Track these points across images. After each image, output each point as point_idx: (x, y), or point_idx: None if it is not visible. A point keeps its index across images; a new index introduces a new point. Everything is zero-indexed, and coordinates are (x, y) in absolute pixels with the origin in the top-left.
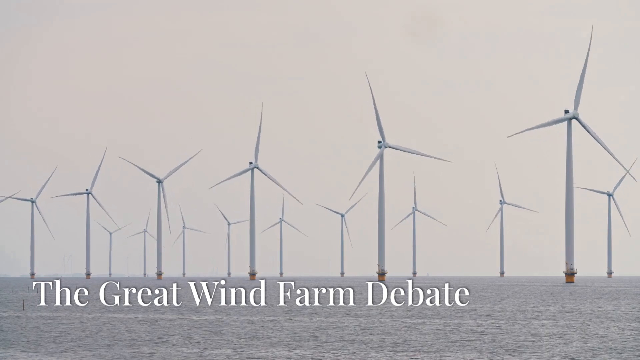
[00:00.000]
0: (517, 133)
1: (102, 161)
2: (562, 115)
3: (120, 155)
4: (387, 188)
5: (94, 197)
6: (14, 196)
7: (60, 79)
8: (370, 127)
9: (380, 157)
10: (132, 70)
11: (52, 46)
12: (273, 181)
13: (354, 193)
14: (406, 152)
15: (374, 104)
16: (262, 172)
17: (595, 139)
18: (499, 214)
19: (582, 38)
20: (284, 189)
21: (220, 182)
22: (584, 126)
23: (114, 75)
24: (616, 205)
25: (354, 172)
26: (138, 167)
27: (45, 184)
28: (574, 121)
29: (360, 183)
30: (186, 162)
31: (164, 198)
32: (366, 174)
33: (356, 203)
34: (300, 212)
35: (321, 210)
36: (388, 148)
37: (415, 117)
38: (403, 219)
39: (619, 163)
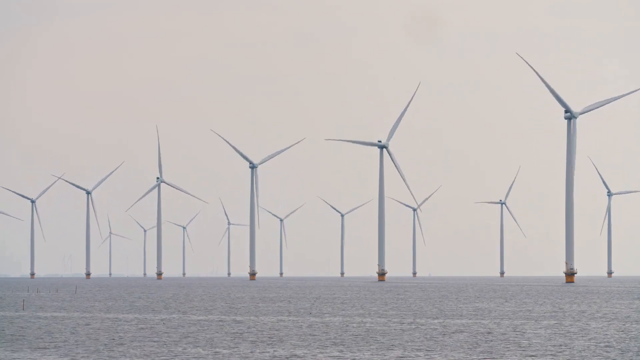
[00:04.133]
0: (573, 170)
1: (113, 171)
2: (562, 115)
3: (120, 160)
4: (387, 188)
5: (91, 197)
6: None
7: (60, 79)
8: (372, 127)
9: (380, 156)
10: (132, 70)
11: (52, 46)
12: (273, 156)
13: (331, 139)
14: (396, 167)
15: (406, 109)
16: (262, 162)
17: (600, 105)
18: (498, 209)
19: (583, 38)
20: (284, 149)
21: (257, 203)
22: (586, 111)
23: (113, 75)
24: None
25: (354, 173)
26: (142, 196)
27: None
28: (573, 120)
29: (342, 140)
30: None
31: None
32: (351, 141)
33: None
34: (300, 212)
35: (321, 211)
36: (385, 150)
37: (415, 117)
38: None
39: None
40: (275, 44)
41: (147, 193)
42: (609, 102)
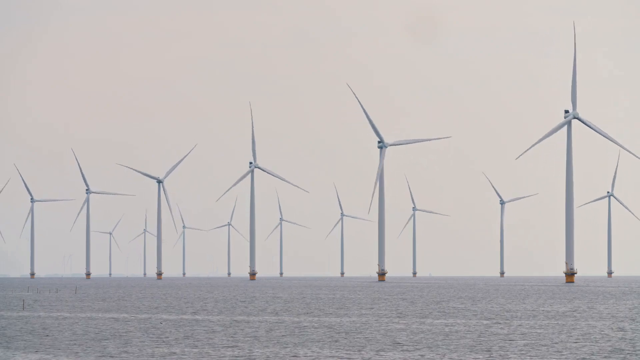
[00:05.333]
0: (525, 152)
1: (77, 160)
2: (561, 115)
3: (119, 160)
4: (387, 188)
5: (95, 192)
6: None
7: (60, 79)
8: (369, 128)
9: (380, 156)
10: (131, 70)
11: (52, 46)
12: (275, 176)
13: (371, 202)
14: (407, 144)
15: (364, 110)
16: (262, 170)
17: (599, 133)
18: (498, 210)
19: (582, 38)
20: (287, 181)
21: (225, 192)
22: (585, 123)
23: (113, 75)
24: (619, 202)
25: (354, 173)
26: (137, 170)
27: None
28: (574, 121)
29: (374, 190)
30: (183, 158)
31: (166, 198)
32: (377, 179)
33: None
34: (300, 212)
35: (321, 210)
36: (390, 147)
37: (415, 117)
38: (406, 223)
39: (630, 152)
40: (274, 44)
41: (142, 173)
42: (605, 136)
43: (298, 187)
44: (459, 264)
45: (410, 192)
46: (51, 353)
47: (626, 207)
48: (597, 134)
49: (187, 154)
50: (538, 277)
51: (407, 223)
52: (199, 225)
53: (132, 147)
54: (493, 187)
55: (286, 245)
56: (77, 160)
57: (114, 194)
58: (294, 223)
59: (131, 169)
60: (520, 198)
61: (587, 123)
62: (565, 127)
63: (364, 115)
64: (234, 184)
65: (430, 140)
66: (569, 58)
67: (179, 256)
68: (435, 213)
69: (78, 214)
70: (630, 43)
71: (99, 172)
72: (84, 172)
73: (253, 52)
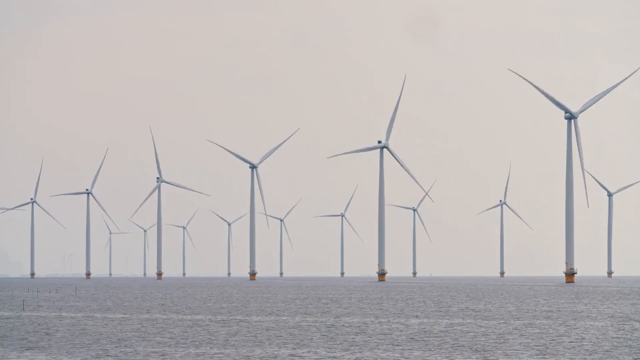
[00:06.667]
0: (518, 75)
1: (102, 161)
2: (561, 115)
3: (118, 160)
4: (388, 188)
5: (94, 197)
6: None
7: (60, 79)
8: (370, 128)
9: (380, 156)
10: (132, 70)
11: (52, 46)
12: (272, 151)
13: (335, 156)
14: (401, 166)
15: (398, 104)
16: (257, 175)
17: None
18: (498, 210)
19: (582, 38)
20: (188, 189)
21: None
22: (575, 128)
23: (113, 75)
24: (610, 207)
25: (353, 173)
26: (155, 151)
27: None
28: (573, 121)
29: (343, 153)
30: (192, 190)
31: (158, 199)
32: (352, 152)
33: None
34: (301, 212)
35: (321, 210)
36: (385, 150)
37: (415, 118)
38: (402, 206)
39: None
40: (274, 44)
41: (149, 196)
42: (604, 95)
43: (290, 136)
44: (459, 264)
45: (428, 196)
46: (51, 353)
47: (609, 213)
48: (597, 102)
49: (197, 191)
50: (538, 277)
51: (402, 208)
52: (198, 225)
53: (131, 147)
54: (507, 181)
55: (286, 245)
56: (103, 158)
57: (108, 215)
58: (289, 236)
59: (140, 205)
60: (518, 215)
61: (585, 106)
62: (566, 127)
63: (394, 107)
64: (260, 193)
65: (420, 185)
66: (570, 58)
67: (179, 256)
68: (425, 230)
69: (67, 193)
70: (631, 44)
71: (101, 172)
72: (85, 171)
73: (253, 52)
